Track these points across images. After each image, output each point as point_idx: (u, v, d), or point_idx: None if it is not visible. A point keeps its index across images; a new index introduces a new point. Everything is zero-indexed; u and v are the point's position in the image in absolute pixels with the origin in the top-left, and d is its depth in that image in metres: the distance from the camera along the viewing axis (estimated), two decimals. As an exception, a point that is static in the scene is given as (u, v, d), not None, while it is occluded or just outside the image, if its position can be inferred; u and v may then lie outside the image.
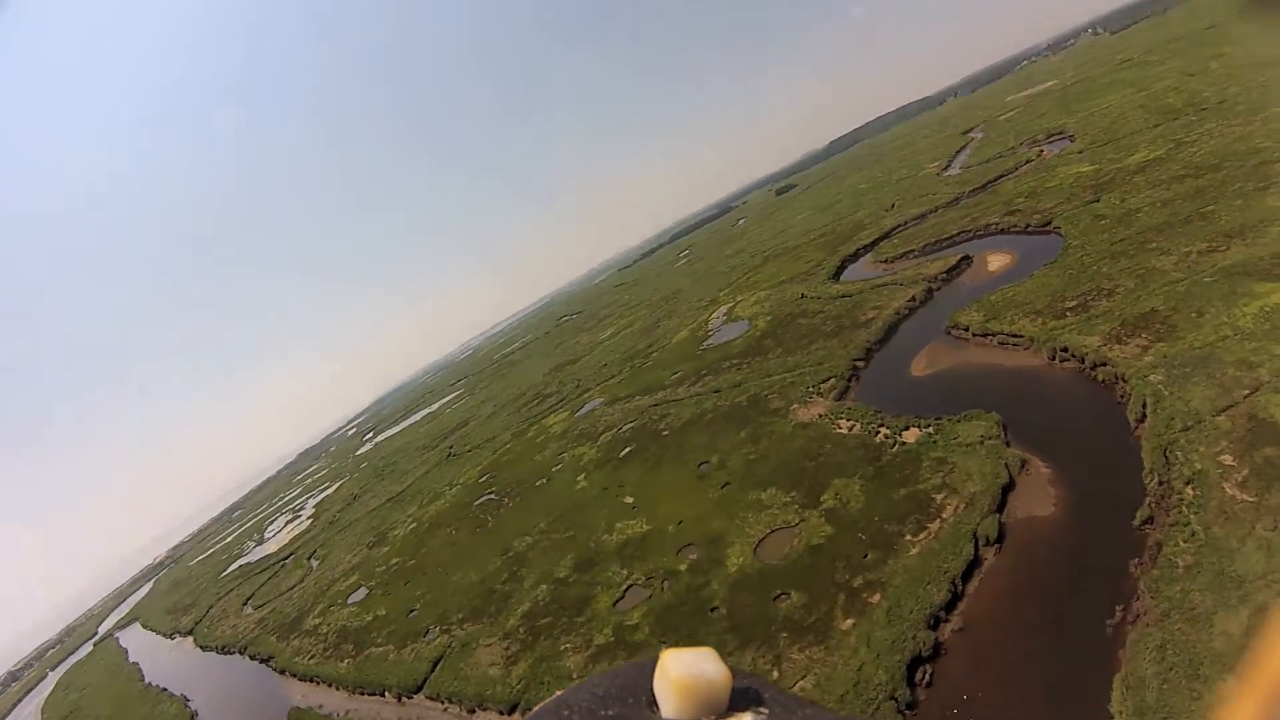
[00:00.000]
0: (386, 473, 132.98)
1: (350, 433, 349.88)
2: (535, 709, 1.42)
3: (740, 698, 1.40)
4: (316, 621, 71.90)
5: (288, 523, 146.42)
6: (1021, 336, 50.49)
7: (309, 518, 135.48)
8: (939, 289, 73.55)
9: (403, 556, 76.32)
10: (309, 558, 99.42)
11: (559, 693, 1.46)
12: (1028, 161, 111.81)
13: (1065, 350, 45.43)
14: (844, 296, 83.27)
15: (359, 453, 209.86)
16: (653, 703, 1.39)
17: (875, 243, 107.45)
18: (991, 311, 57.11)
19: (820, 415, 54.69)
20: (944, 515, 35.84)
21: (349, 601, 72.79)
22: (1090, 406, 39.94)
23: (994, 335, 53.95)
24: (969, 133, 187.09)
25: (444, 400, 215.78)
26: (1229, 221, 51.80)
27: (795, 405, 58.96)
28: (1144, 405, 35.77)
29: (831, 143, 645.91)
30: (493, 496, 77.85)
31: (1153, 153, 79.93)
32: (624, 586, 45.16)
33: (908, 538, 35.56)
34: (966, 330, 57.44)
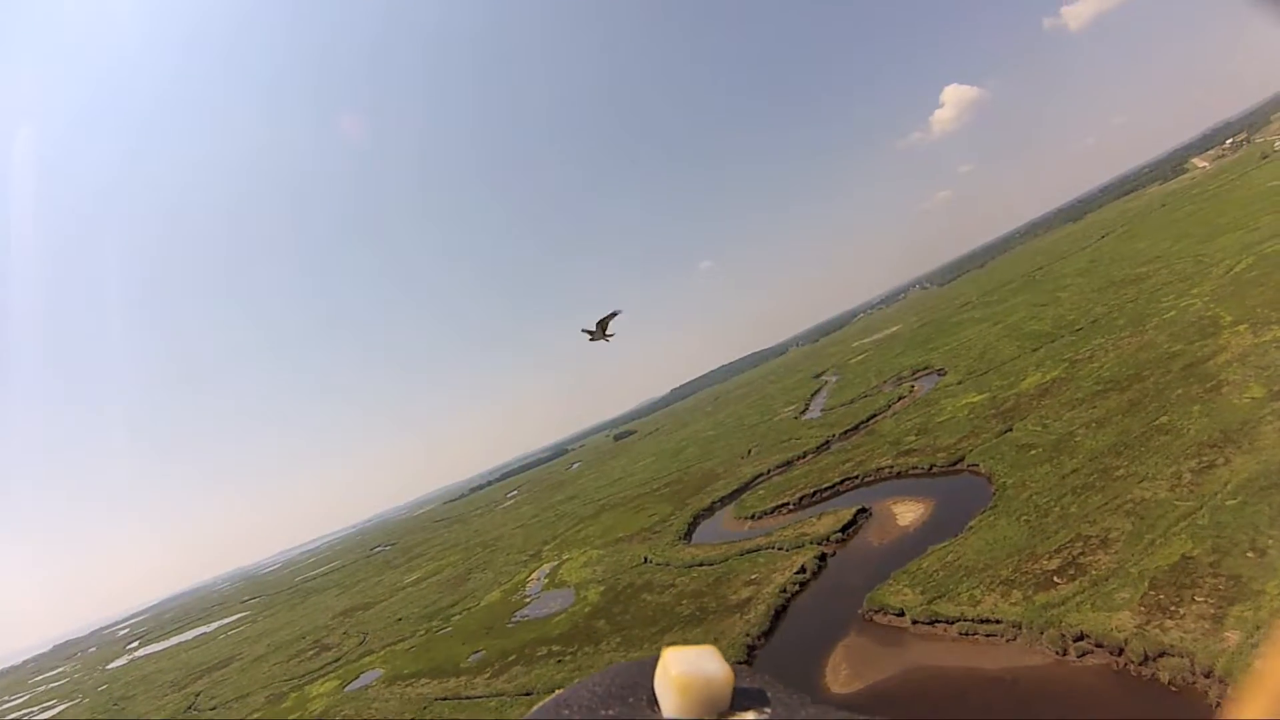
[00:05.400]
0: (116, 710, 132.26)
1: (121, 632, 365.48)
2: (535, 708, 1.60)
3: (743, 696, 1.58)
4: None
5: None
6: (999, 622, 39.76)
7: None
8: (834, 554, 65.82)
9: None
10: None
11: (558, 691, 1.63)
12: (900, 398, 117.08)
13: (1083, 637, 34.73)
14: (702, 565, 76.37)
15: (110, 666, 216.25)
16: (653, 701, 1.60)
17: (734, 494, 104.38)
18: (932, 586, 47.30)
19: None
20: None
21: None
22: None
23: (948, 622, 43.00)
24: (821, 376, 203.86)
25: (226, 621, 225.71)
26: (1201, 430, 49.69)
27: (645, 740, 43.04)
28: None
29: (673, 390, 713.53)
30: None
31: (1048, 374, 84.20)
32: None
33: None
34: (901, 615, 46.60)
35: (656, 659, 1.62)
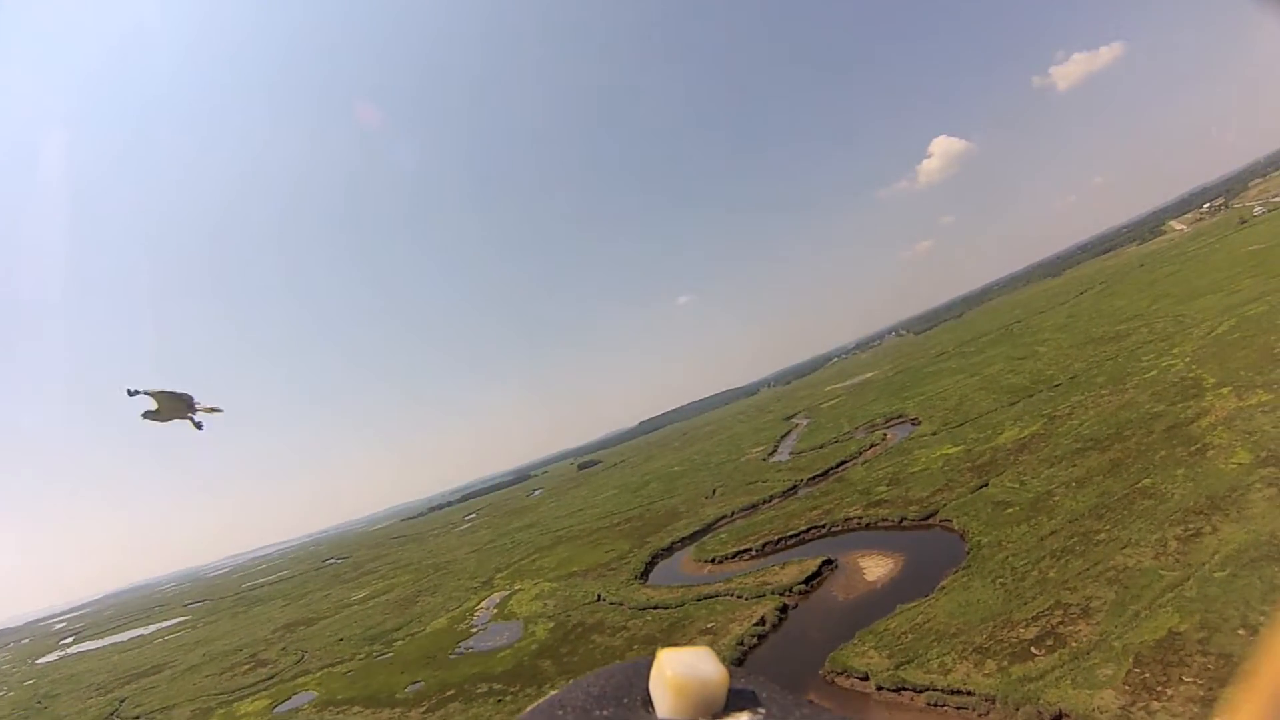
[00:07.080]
0: (38, 708, 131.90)
1: (57, 626, 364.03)
2: (529, 708, 1.65)
3: (737, 698, 1.62)
4: None
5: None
6: (972, 694, 37.55)
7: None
8: (796, 606, 63.76)
9: None
10: None
11: (553, 692, 1.66)
12: (872, 446, 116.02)
13: (1063, 716, 32.62)
14: (658, 608, 74.63)
15: (40, 661, 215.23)
16: (648, 702, 1.62)
17: (696, 535, 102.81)
18: (900, 649, 45.10)
19: None
20: None
21: None
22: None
23: (916, 690, 40.70)
24: (792, 418, 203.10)
25: (165, 624, 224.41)
26: (1186, 495, 48.47)
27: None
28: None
29: (641, 423, 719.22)
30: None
31: (1026, 429, 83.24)
32: None
33: None
34: (865, 679, 44.26)
35: (651, 660, 1.61)
